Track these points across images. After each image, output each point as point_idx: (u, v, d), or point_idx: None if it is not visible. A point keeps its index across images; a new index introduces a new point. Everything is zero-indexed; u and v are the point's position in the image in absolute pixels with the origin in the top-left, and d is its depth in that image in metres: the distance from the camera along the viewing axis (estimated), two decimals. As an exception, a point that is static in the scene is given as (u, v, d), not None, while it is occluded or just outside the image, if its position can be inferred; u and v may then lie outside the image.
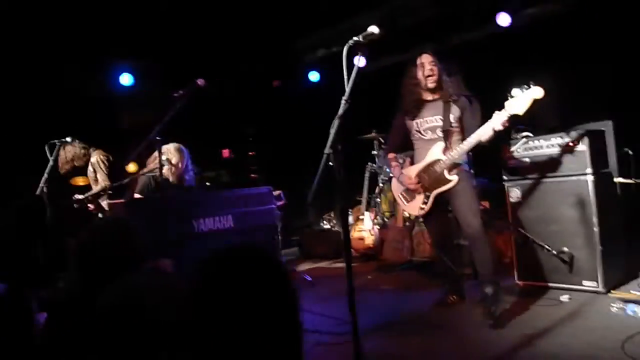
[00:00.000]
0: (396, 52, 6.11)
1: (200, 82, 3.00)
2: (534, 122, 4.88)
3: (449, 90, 3.15)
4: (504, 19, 5.09)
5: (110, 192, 4.22)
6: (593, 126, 3.60)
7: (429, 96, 3.23)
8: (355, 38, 2.23)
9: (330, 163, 2.07)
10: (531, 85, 2.76)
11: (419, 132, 3.25)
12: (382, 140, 5.58)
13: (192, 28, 5.87)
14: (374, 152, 5.54)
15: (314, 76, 6.87)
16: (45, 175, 4.59)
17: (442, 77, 3.17)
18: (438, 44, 5.83)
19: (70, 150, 4.64)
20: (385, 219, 5.34)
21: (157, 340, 1.28)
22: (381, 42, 6.27)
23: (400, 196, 3.44)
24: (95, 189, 4.50)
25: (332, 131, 2.10)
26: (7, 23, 5.16)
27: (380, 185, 5.36)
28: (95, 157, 4.61)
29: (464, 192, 3.12)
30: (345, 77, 2.20)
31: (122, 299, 1.32)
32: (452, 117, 3.16)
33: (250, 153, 6.93)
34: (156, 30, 5.82)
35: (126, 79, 6.14)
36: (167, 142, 3.96)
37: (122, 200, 3.47)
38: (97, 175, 4.57)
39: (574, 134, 3.40)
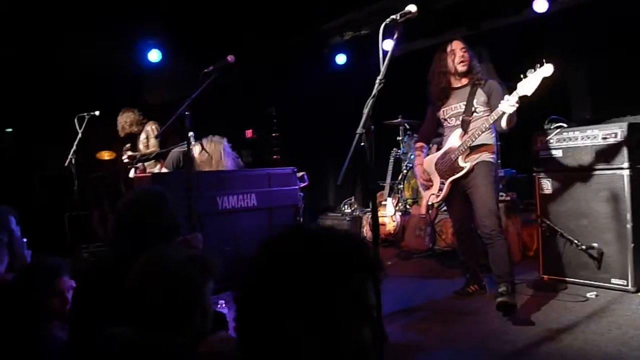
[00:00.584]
0: (426, 36, 5.99)
1: (230, 58, 2.96)
2: (568, 112, 4.78)
3: (477, 74, 3.10)
4: (541, 5, 4.92)
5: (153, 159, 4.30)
6: (631, 119, 3.44)
7: (457, 83, 3.18)
8: (392, 17, 2.17)
9: (362, 143, 2.03)
10: (543, 63, 2.71)
11: (445, 119, 3.24)
12: (407, 126, 5.51)
13: (220, 6, 5.83)
14: (399, 138, 5.48)
15: (340, 59, 6.78)
16: (74, 147, 4.67)
17: (473, 62, 3.14)
18: (470, 29, 5.69)
19: (129, 116, 4.90)
20: (408, 206, 5.28)
21: (180, 312, 1.30)
22: (411, 25, 6.16)
23: (421, 184, 3.45)
24: (147, 151, 4.76)
25: (366, 111, 2.05)
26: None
27: (404, 171, 5.30)
28: (150, 126, 4.95)
29: (481, 188, 3.03)
30: (381, 56, 2.14)
31: (150, 269, 1.34)
32: (476, 102, 3.08)
33: (273, 134, 6.92)
34: (185, 8, 5.80)
35: (154, 56, 6.14)
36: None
37: (148, 174, 3.49)
38: (149, 142, 4.88)
39: (611, 126, 3.28)
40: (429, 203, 3.34)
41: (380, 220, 5.00)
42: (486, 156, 3.10)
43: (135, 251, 1.45)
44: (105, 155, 6.94)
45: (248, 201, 3.84)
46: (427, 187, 3.38)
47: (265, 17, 5.98)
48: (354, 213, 5.59)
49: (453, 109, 3.18)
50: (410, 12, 2.24)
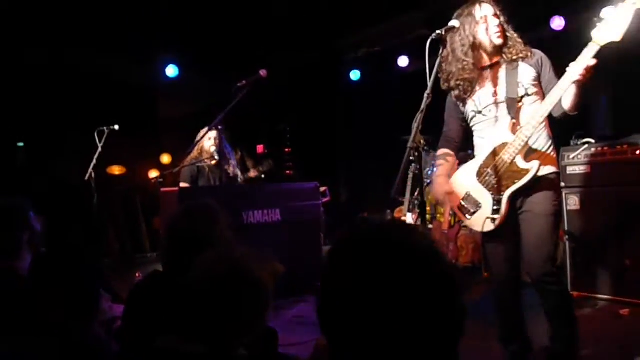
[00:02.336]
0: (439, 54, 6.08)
1: (262, 72, 2.99)
2: (588, 128, 4.81)
3: (517, 45, 2.29)
4: (558, 23, 4.98)
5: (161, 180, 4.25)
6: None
7: (489, 61, 2.34)
8: (437, 32, 2.18)
9: (411, 158, 2.03)
10: None
11: (479, 112, 2.35)
12: (424, 142, 5.52)
13: (235, 22, 5.90)
14: (416, 154, 5.47)
15: (354, 75, 6.84)
16: (94, 161, 4.65)
17: (509, 31, 2.32)
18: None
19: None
20: (427, 222, 5.28)
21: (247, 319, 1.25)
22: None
23: (459, 210, 2.41)
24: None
25: (415, 125, 2.05)
26: (56, 13, 5.25)
27: (425, 185, 5.29)
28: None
29: (540, 219, 2.21)
30: (427, 70, 2.15)
31: (223, 267, 1.28)
32: (524, 81, 2.26)
33: (286, 149, 6.93)
34: (202, 24, 5.87)
35: (171, 71, 6.19)
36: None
37: (175, 189, 3.49)
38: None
39: (640, 141, 3.28)
40: (485, 230, 2.33)
41: (399, 236, 4.97)
42: (549, 169, 2.27)
43: (187, 262, 1.44)
44: (116, 170, 6.96)
45: (272, 216, 3.82)
46: (470, 211, 2.37)
47: (280, 33, 6.05)
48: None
49: (491, 95, 2.31)
50: (454, 27, 2.26)
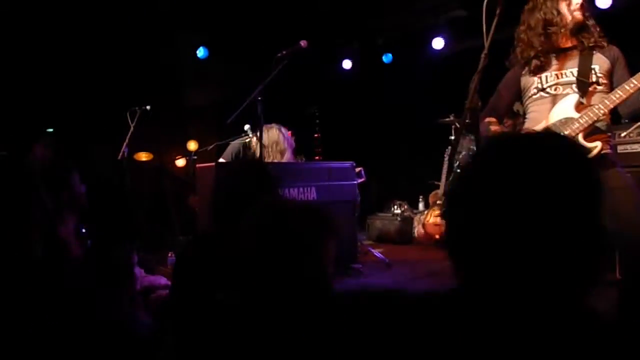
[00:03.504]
0: (475, 35, 5.96)
1: (303, 43, 2.96)
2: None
3: (595, 33, 2.33)
4: (604, 0, 4.82)
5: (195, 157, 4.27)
6: None
7: (564, 42, 2.37)
8: (493, -9, 2.12)
9: (467, 121, 1.97)
10: None
11: (542, 89, 2.38)
12: (458, 125, 5.44)
13: (264, 6, 5.88)
14: (451, 137, 5.41)
15: (386, 58, 6.76)
16: (127, 140, 4.70)
17: (588, 18, 2.35)
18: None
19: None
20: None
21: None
22: (464, 22, 6.04)
23: None
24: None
25: (472, 86, 2.00)
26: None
27: (458, 171, 5.21)
28: None
29: (626, 189, 2.16)
30: (484, 29, 2.09)
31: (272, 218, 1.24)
32: (597, 69, 2.30)
33: (315, 135, 6.89)
34: (230, 8, 5.88)
35: (200, 52, 6.22)
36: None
37: (211, 164, 3.49)
38: None
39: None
40: None
41: (435, 220, 4.91)
42: (608, 151, 2.33)
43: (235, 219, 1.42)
44: (143, 156, 7.02)
45: (308, 194, 3.79)
46: None
47: (311, 15, 6.01)
48: (405, 214, 5.51)
49: (560, 76, 2.35)
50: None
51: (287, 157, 4.18)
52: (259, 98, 2.86)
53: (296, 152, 4.69)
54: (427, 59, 6.29)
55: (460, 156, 5.17)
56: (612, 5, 4.87)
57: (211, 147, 4.15)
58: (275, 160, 4.03)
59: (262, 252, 1.18)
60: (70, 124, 5.86)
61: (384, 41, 6.66)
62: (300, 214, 1.23)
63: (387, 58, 6.68)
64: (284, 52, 2.94)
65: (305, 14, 5.92)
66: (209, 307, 1.33)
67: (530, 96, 2.43)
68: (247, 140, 4.09)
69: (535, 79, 2.40)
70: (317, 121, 6.87)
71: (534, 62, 2.37)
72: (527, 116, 2.49)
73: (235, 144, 4.08)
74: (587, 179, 0.71)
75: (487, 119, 2.49)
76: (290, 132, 7.37)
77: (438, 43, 6.06)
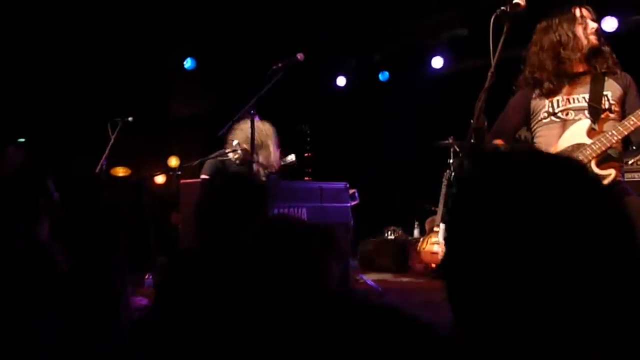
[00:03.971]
0: (478, 55, 6.10)
1: (300, 56, 3.01)
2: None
3: (609, 59, 2.39)
4: (610, 23, 5.00)
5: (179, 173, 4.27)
6: None
7: (577, 66, 2.41)
8: (502, 7, 2.20)
9: (472, 140, 2.02)
10: None
11: (553, 114, 2.42)
12: (458, 149, 5.53)
13: (256, 16, 5.97)
14: (450, 161, 5.48)
15: (382, 75, 6.88)
16: (106, 152, 4.69)
17: (603, 44, 2.41)
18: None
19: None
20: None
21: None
22: (463, 42, 6.16)
23: None
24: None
25: (478, 104, 2.05)
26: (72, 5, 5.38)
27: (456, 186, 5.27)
28: None
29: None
30: (491, 47, 2.16)
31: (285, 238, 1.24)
32: (610, 95, 2.35)
33: (306, 154, 6.93)
34: (220, 17, 5.96)
35: (187, 63, 6.28)
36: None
37: (196, 180, 3.50)
38: None
39: None
40: None
41: (431, 248, 4.94)
42: (621, 179, 2.40)
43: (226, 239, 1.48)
44: (120, 171, 6.99)
45: (299, 216, 3.80)
46: None
47: (305, 27, 6.11)
48: (399, 240, 5.53)
49: (571, 100, 2.39)
50: (518, 5, 2.26)
51: (276, 155, 4.18)
52: (252, 111, 2.89)
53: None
54: (426, 78, 6.42)
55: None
56: (618, 28, 5.05)
57: (196, 162, 4.16)
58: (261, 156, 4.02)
59: (263, 269, 1.18)
60: (46, 133, 5.84)
61: (381, 58, 6.79)
62: (304, 232, 1.24)
63: (383, 76, 6.80)
64: (280, 65, 2.99)
65: (299, 25, 6.01)
66: (196, 325, 1.33)
67: (540, 120, 2.46)
68: (228, 156, 4.08)
69: (546, 102, 2.43)
70: (309, 139, 6.95)
71: (545, 85, 2.39)
72: (535, 140, 2.52)
73: (214, 161, 4.06)
74: (609, 208, 0.63)
75: (496, 142, 2.51)
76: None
77: (437, 62, 6.20)
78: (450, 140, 5.38)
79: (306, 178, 6.71)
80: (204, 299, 1.48)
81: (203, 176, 4.14)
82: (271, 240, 1.23)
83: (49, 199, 2.10)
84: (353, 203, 4.33)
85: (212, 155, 4.13)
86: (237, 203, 1.73)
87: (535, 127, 2.50)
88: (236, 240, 1.49)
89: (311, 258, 1.21)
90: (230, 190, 1.80)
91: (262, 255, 1.21)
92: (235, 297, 1.21)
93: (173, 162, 7.58)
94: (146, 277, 4.19)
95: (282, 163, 3.99)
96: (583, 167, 0.68)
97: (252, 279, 1.20)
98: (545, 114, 2.43)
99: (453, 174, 5.39)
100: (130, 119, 4.89)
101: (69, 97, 5.98)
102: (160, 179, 7.38)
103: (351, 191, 4.33)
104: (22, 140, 6.39)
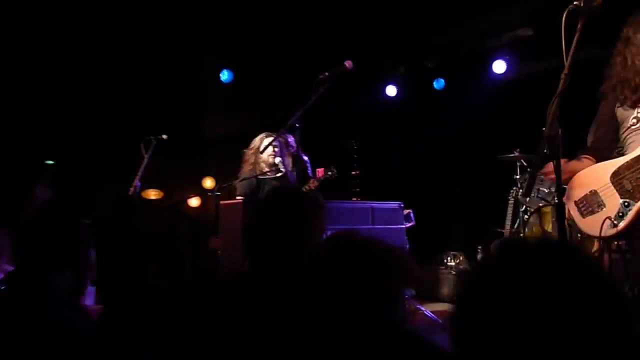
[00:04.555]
0: (544, 58, 6.00)
1: (348, 64, 3.06)
2: None
3: None
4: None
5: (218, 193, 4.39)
6: None
7: None
8: (575, 2, 2.19)
9: (545, 151, 2.00)
10: None
11: None
12: (525, 163, 5.43)
13: (296, 29, 6.09)
14: (516, 177, 5.39)
15: (437, 83, 6.86)
16: (140, 173, 4.86)
17: None
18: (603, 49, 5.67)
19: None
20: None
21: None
22: (530, 43, 6.07)
23: (576, 205, 2.61)
24: None
25: (551, 110, 2.03)
26: (103, 20, 5.67)
27: (525, 217, 5.17)
28: None
29: None
30: (564, 46, 2.15)
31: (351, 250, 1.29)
32: None
33: (353, 172, 6.94)
34: (259, 28, 6.12)
35: (224, 76, 6.47)
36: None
37: (237, 200, 3.58)
38: None
39: None
40: (602, 235, 2.53)
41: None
42: None
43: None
44: (152, 194, 7.18)
45: (349, 239, 3.82)
46: (586, 211, 2.58)
47: (349, 34, 6.18)
48: (460, 267, 5.46)
49: None
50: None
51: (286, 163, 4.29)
52: (297, 125, 2.94)
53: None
54: (486, 84, 6.36)
55: (528, 199, 5.14)
56: None
57: (239, 181, 4.24)
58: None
59: (343, 289, 1.21)
60: (77, 153, 6.09)
61: (436, 64, 6.78)
62: (382, 250, 1.27)
63: (438, 84, 6.77)
64: (326, 74, 3.04)
65: (342, 33, 6.08)
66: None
67: (629, 127, 2.56)
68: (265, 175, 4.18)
69: (635, 110, 2.53)
70: (356, 156, 6.97)
71: (632, 96, 2.51)
72: (626, 147, 2.60)
73: (249, 180, 4.14)
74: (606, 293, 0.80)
75: (586, 158, 2.65)
76: (322, 169, 7.48)
77: (499, 66, 6.14)
78: (516, 154, 5.29)
79: (354, 198, 6.74)
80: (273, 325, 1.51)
81: (239, 198, 4.24)
82: (352, 256, 1.26)
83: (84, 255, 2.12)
84: (408, 225, 4.34)
85: (246, 175, 4.23)
86: (293, 216, 1.77)
87: (625, 134, 2.59)
88: (294, 259, 1.54)
89: (384, 287, 1.25)
90: (287, 203, 1.84)
91: (329, 283, 1.24)
92: (296, 330, 1.24)
93: (208, 183, 7.74)
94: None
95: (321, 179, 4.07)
96: (589, 262, 0.85)
97: (332, 299, 1.23)
98: (635, 120, 2.53)
99: (521, 191, 5.30)
100: (164, 136, 5.08)
101: (101, 114, 6.21)
102: (194, 201, 7.55)
103: (406, 212, 4.34)
104: (51, 162, 6.70)
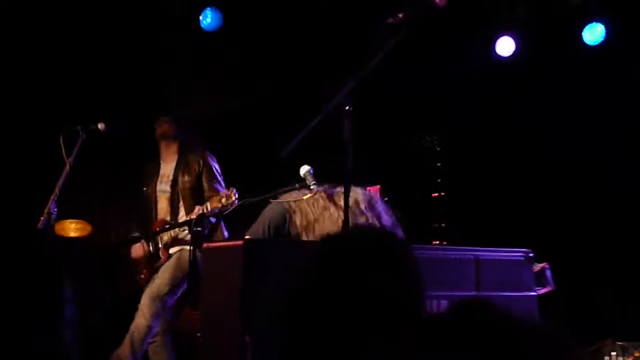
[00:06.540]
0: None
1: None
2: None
3: None
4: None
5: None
6: None
7: None
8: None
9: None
10: None
11: None
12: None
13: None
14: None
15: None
16: (56, 190, 4.89)
17: None
18: None
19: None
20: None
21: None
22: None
23: None
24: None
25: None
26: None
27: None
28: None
29: None
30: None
31: None
32: None
33: (434, 194, 6.93)
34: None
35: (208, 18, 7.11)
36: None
37: (236, 242, 3.59)
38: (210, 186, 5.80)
39: None
40: None
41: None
42: None
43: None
44: (71, 229, 7.11)
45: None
46: None
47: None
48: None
49: None
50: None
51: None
52: (347, 107, 2.86)
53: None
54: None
55: None
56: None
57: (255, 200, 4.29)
58: None
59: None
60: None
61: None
62: (536, 337, 1.28)
63: (593, 34, 6.85)
64: (400, 16, 2.98)
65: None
66: None
67: None
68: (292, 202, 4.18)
69: None
70: (439, 164, 6.97)
71: None
72: None
73: (275, 209, 4.13)
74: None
75: None
76: (378, 186, 7.59)
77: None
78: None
79: (435, 242, 6.68)
80: None
81: (249, 235, 4.25)
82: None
83: None
84: (543, 290, 4.27)
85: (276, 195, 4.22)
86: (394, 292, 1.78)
87: None
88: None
89: None
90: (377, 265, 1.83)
91: None
92: None
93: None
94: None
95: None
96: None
97: None
98: None
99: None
100: (100, 126, 5.11)
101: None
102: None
103: (538, 267, 4.28)
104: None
